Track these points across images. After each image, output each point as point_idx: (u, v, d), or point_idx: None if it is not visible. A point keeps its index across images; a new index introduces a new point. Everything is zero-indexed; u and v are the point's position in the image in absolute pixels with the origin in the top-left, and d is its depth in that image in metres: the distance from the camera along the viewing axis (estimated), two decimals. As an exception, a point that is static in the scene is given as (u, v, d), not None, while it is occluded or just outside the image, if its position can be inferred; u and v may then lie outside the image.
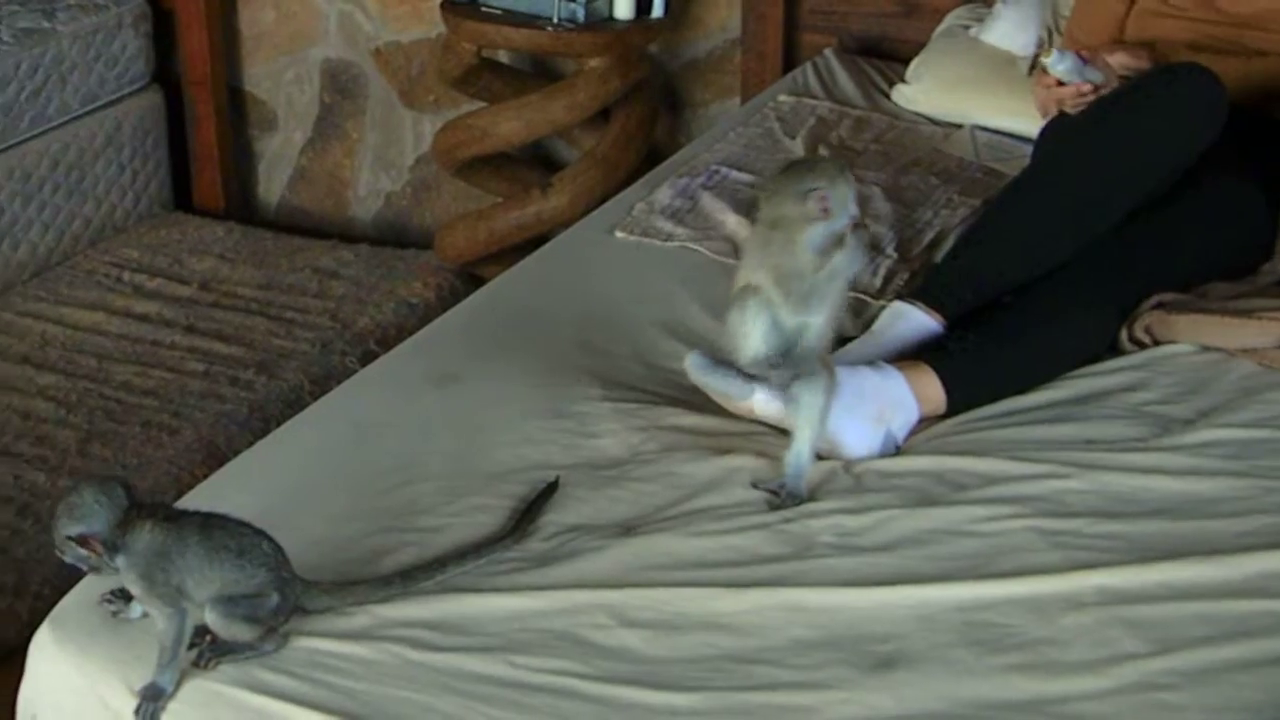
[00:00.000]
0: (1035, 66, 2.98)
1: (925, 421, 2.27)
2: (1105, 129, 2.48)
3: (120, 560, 1.78)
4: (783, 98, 3.35)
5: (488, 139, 3.70)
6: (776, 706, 1.76)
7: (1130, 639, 1.83)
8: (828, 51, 3.56)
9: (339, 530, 2.03)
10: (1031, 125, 2.86)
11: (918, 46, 3.44)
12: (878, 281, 2.62)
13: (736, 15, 3.75)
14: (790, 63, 3.65)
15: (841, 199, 2.06)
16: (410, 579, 1.92)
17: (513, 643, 1.84)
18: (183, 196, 4.31)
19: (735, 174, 3.00)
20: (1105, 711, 1.74)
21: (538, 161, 4.01)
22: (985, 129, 3.20)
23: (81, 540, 1.78)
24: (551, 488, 2.10)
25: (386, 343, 3.38)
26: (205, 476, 2.37)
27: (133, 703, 1.79)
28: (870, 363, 2.26)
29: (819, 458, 2.15)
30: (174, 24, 4.20)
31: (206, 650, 1.81)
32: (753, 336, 2.07)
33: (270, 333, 3.60)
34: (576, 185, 3.68)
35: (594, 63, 3.62)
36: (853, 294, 2.40)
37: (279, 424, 2.49)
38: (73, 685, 1.86)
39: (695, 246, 2.76)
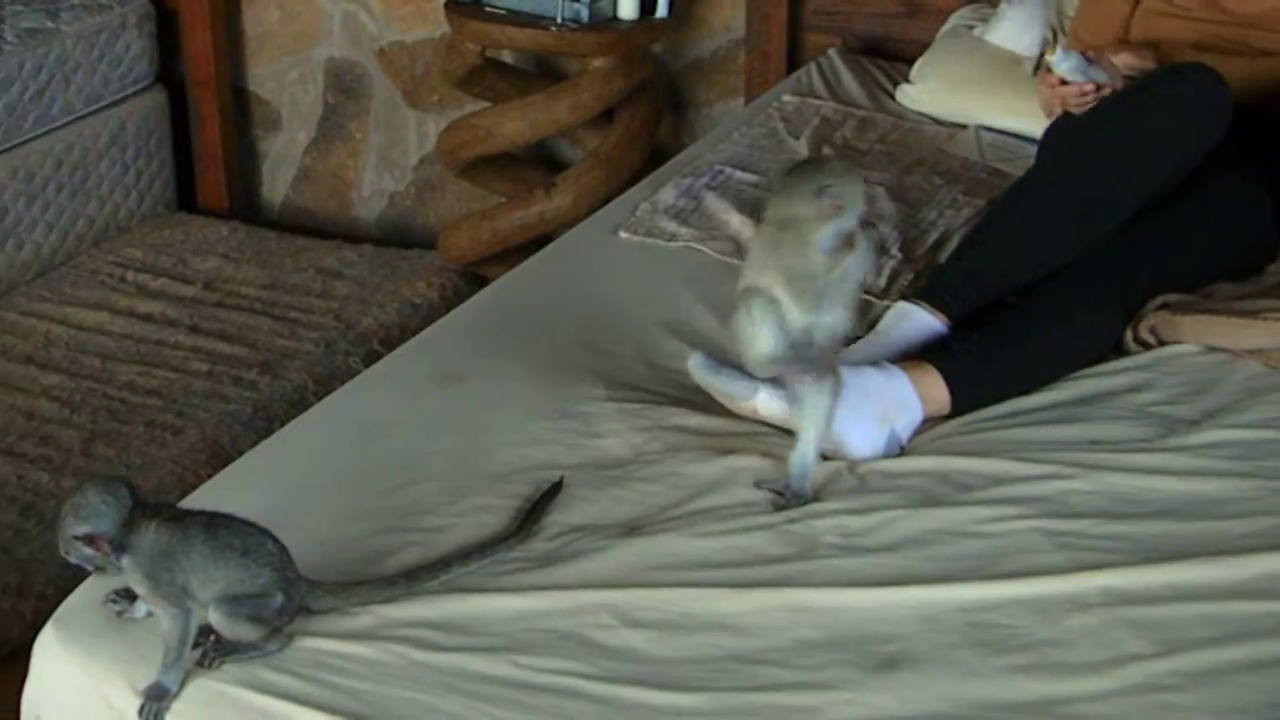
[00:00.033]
0: (1040, 66, 2.98)
1: (929, 422, 2.27)
2: (1110, 129, 2.47)
3: (125, 560, 1.78)
4: (787, 98, 3.35)
5: (491, 139, 3.70)
6: (780, 707, 1.76)
7: (1135, 640, 1.83)
8: (832, 51, 3.56)
9: (343, 530, 2.03)
10: (1036, 125, 2.86)
11: (922, 46, 3.44)
12: (882, 282, 2.62)
13: (740, 15, 3.75)
14: (794, 63, 3.65)
15: (852, 197, 2.06)
16: (414, 579, 1.92)
17: (517, 643, 1.84)
18: (186, 196, 4.30)
19: (739, 174, 2.99)
20: (1110, 713, 1.74)
21: (541, 161, 4.00)
22: (990, 129, 3.19)
23: (88, 540, 1.78)
24: (556, 488, 2.10)
25: (390, 343, 3.37)
26: (209, 476, 2.37)
27: (137, 702, 1.79)
28: (875, 363, 2.26)
29: (823, 458, 2.14)
30: (178, 24, 4.20)
31: (211, 650, 1.81)
32: (760, 338, 2.07)
33: (274, 333, 3.59)
34: (580, 185, 3.68)
35: (598, 63, 3.62)
36: (857, 294, 2.41)
37: (283, 424, 2.49)
38: (77, 685, 1.86)
39: (699, 247, 2.75)
